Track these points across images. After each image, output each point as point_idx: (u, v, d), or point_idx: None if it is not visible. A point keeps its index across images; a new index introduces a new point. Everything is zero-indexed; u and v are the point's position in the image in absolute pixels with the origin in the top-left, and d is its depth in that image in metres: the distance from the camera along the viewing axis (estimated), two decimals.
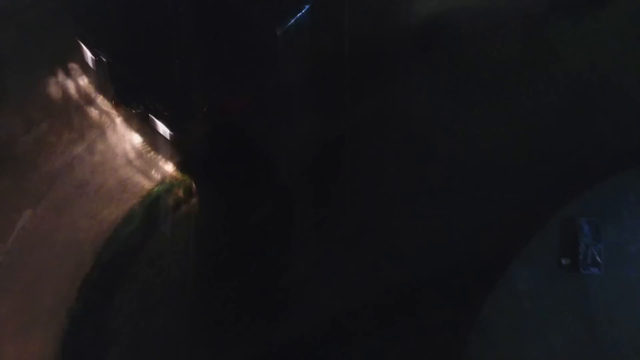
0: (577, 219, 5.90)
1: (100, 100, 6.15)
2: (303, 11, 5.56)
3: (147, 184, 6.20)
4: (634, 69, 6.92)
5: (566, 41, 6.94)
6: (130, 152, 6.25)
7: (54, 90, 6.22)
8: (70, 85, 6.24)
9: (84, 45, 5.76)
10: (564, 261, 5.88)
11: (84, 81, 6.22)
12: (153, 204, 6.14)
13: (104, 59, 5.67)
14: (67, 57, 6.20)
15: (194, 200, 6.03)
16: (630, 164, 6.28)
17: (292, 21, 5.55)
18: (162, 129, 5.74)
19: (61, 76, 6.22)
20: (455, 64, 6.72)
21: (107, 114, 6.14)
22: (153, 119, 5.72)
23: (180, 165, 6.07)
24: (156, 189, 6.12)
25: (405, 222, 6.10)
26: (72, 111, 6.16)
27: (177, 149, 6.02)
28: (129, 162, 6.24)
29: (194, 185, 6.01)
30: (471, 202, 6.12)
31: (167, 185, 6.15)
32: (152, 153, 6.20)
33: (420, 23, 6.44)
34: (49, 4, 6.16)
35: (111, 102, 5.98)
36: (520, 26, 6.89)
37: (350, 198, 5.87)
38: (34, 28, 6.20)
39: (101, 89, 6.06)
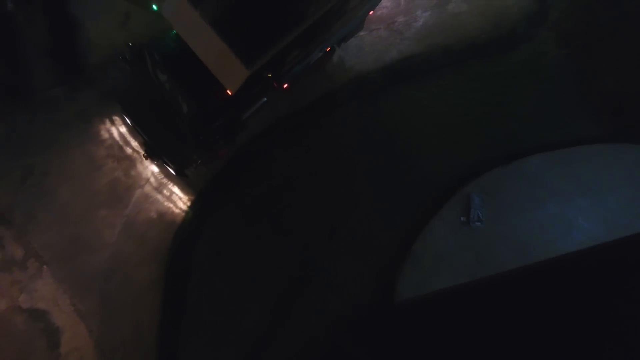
0: (471, 194, 9.77)
1: None
2: (260, 103, 8.68)
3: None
4: (525, 98, 10.51)
5: (480, 77, 10.51)
6: None
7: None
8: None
9: (126, 119, 8.91)
10: (462, 219, 9.77)
11: None
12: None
13: (137, 130, 8.82)
14: None
15: None
16: (509, 160, 10.09)
17: (253, 110, 8.67)
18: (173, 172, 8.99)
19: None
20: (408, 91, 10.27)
21: None
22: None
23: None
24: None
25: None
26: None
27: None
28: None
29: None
30: (410, 182, 9.94)
31: None
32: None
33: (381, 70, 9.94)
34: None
35: (143, 156, 9.12)
36: (449, 68, 10.40)
37: None
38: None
39: None
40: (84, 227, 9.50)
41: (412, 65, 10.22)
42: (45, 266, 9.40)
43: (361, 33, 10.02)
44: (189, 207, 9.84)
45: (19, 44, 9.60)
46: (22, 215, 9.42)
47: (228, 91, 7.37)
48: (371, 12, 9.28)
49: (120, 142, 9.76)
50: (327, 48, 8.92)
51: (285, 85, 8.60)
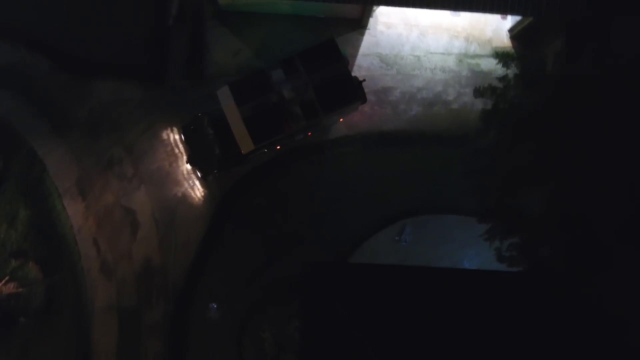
0: (405, 224, 15.88)
1: None
2: (261, 151, 14.60)
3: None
4: (460, 177, 16.51)
5: (437, 156, 16.49)
6: None
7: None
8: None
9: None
10: (397, 238, 15.90)
11: None
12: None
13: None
14: None
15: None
16: (435, 213, 16.22)
17: (255, 154, 14.55)
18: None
19: None
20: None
21: None
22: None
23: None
24: None
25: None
26: None
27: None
28: None
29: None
30: (370, 208, 15.97)
31: None
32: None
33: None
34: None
35: (185, 161, 15.21)
36: (420, 146, 16.37)
37: None
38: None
39: None
40: (173, 171, 15.32)
41: (398, 136, 16.14)
42: (143, 184, 15.19)
43: (375, 107, 15.90)
44: (226, 193, 15.69)
45: (169, 46, 15.20)
46: (139, 150, 15.18)
47: (242, 151, 13.90)
48: (341, 119, 15.35)
49: None
50: (309, 133, 15.04)
51: (278, 147, 15.02)
